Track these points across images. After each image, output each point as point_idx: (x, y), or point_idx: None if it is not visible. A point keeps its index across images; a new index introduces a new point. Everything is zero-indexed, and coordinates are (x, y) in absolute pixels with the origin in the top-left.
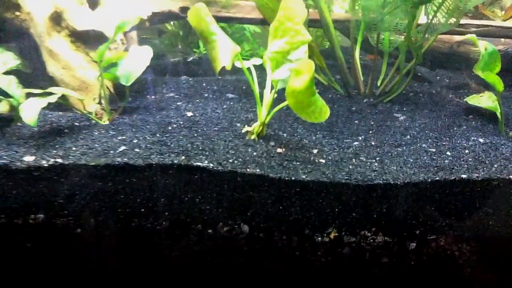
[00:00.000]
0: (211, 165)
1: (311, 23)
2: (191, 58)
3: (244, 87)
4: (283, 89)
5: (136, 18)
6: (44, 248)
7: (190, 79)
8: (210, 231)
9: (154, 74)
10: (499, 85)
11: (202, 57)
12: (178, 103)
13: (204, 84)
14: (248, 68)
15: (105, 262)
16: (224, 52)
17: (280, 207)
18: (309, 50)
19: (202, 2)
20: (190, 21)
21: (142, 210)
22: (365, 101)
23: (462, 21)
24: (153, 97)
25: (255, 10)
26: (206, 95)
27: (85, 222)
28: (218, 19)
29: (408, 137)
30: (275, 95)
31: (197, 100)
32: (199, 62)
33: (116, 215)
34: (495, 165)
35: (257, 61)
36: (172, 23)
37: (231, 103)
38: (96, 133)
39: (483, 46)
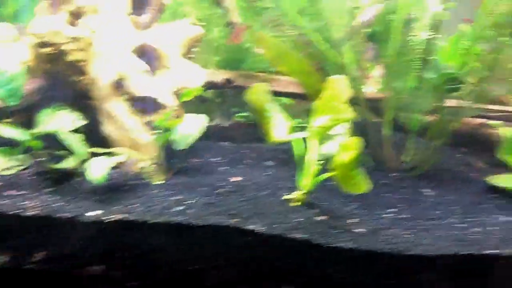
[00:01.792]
0: (262, 228)
1: None
2: (227, 124)
3: (280, 156)
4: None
5: (198, 88)
6: None
7: (231, 145)
8: None
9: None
10: None
11: (239, 123)
12: (223, 168)
13: (244, 151)
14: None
15: None
16: (279, 128)
17: (321, 271)
18: None
19: (243, 75)
20: (249, 96)
21: (193, 267)
22: (393, 175)
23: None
24: (199, 160)
25: (292, 84)
26: (247, 161)
27: (140, 274)
28: None
29: (438, 212)
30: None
31: (240, 166)
32: (237, 128)
33: (171, 271)
34: None
35: (304, 134)
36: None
37: (271, 171)
38: (155, 192)
39: (507, 132)
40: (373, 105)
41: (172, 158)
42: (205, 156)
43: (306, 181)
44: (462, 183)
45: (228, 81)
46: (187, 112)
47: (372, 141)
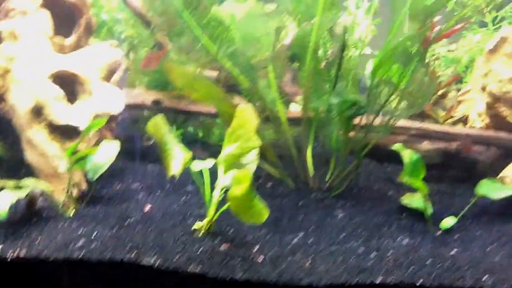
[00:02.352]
0: (158, 262)
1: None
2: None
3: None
4: None
5: (102, 121)
6: None
7: (157, 167)
8: None
9: (128, 158)
10: (424, 189)
11: None
12: (139, 195)
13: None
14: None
15: None
16: (176, 161)
17: None
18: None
19: (172, 96)
20: (149, 130)
21: None
22: (312, 195)
23: (404, 124)
24: (118, 186)
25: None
26: (167, 186)
27: None
28: (187, 112)
29: (343, 235)
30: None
31: (157, 193)
32: None
33: None
34: (410, 269)
35: (209, 163)
36: None
37: (188, 197)
38: (61, 225)
39: (408, 155)
40: (298, 124)
41: (90, 186)
42: (126, 181)
43: (211, 210)
44: (378, 202)
45: (157, 102)
46: (119, 132)
47: (295, 161)
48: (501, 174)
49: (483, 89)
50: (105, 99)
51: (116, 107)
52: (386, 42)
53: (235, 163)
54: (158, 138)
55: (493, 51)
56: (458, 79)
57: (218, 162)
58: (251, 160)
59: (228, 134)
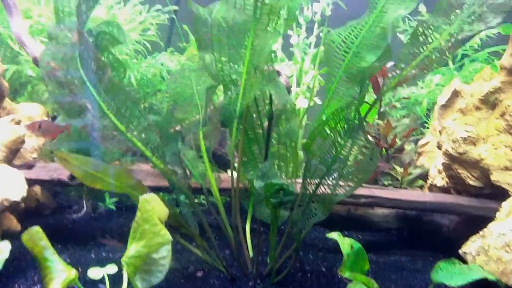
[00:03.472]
0: None
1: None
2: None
3: None
4: None
5: None
6: None
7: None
8: None
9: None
10: (371, 284)
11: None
12: None
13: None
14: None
15: None
16: (57, 280)
17: None
18: None
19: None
20: (25, 242)
21: None
22: (250, 284)
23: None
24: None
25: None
26: None
27: None
28: None
29: None
30: None
31: None
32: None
33: None
34: None
35: (112, 269)
36: None
37: None
38: None
39: (347, 245)
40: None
41: None
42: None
43: None
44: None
45: (73, 177)
46: None
47: (231, 241)
48: (462, 249)
49: (439, 147)
50: (5, 185)
51: (17, 193)
52: (320, 109)
53: (144, 262)
54: (36, 252)
55: (446, 106)
56: (416, 130)
57: (123, 265)
58: (163, 256)
59: (132, 230)
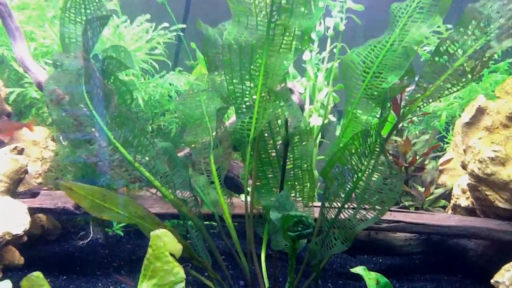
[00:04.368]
0: None
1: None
2: None
3: None
4: None
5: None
6: None
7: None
8: None
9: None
10: None
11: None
12: None
13: None
14: None
15: None
16: None
17: None
18: None
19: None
20: None
21: None
22: None
23: None
24: None
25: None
26: None
27: None
28: None
29: None
30: None
31: None
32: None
33: None
34: None
35: None
36: None
37: None
38: None
39: (374, 279)
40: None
41: None
42: None
43: None
44: None
45: (78, 205)
46: None
47: (246, 271)
48: (495, 278)
49: (464, 167)
50: (7, 217)
51: (19, 226)
52: (339, 134)
53: None
54: None
55: (470, 124)
56: (437, 147)
57: None
58: None
59: (143, 268)
